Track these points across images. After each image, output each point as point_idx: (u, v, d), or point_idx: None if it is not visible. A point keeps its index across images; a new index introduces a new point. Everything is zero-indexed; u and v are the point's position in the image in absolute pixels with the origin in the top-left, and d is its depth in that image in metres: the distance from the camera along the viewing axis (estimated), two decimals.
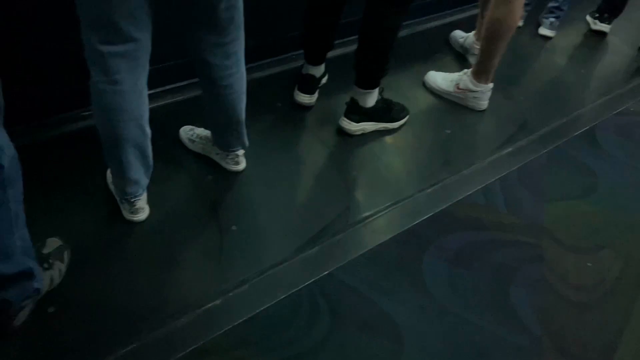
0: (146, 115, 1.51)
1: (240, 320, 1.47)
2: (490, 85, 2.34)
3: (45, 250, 1.43)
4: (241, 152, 1.88)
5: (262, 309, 1.51)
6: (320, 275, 1.62)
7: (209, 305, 1.49)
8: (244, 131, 1.79)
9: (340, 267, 1.66)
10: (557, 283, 1.75)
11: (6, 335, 1.30)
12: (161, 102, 2.08)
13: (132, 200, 1.64)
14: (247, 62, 1.65)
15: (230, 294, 1.53)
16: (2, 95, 1.02)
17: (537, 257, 1.83)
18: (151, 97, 2.00)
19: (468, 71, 2.39)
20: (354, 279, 1.64)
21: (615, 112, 2.59)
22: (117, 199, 1.69)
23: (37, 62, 1.77)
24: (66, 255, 1.47)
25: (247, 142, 1.84)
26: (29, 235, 1.23)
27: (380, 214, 1.87)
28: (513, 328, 1.59)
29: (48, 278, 1.36)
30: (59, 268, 1.42)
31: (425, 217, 1.88)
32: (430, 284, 1.67)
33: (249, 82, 1.69)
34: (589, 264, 1.84)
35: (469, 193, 2.01)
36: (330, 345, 1.46)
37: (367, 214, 1.86)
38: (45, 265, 1.36)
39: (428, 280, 1.68)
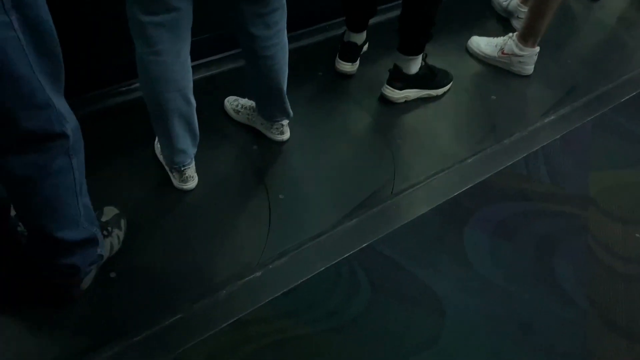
0: (190, 86, 1.52)
1: (281, 292, 1.48)
2: (537, 49, 2.27)
3: (104, 219, 1.47)
4: (285, 122, 1.89)
5: (302, 280, 1.51)
6: (360, 247, 1.62)
7: (251, 276, 1.51)
8: (287, 101, 1.79)
9: (380, 239, 1.65)
10: (603, 254, 1.71)
11: (74, 299, 1.36)
12: (206, 73, 2.09)
13: (182, 169, 1.67)
14: (288, 31, 1.63)
15: (270, 266, 1.54)
16: (63, 65, 1.05)
17: (582, 228, 1.78)
18: (196, 68, 2.03)
19: (513, 35, 2.32)
20: (394, 251, 1.62)
21: None
22: (167, 168, 1.73)
23: (88, 34, 1.79)
24: (123, 223, 1.52)
25: (291, 112, 1.84)
26: (90, 204, 1.27)
27: (422, 183, 1.85)
28: (557, 300, 1.56)
29: (108, 245, 1.41)
30: (118, 235, 1.47)
31: (466, 187, 1.85)
32: (472, 256, 1.64)
33: (290, 52, 1.68)
34: (637, 235, 1.78)
35: (511, 163, 1.96)
36: (371, 317, 1.46)
37: (411, 183, 1.85)
38: (105, 233, 1.41)
39: (469, 252, 1.65)
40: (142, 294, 1.44)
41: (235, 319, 1.41)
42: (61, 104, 1.06)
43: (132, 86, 1.95)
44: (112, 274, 1.44)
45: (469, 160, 1.95)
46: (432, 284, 1.55)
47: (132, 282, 1.46)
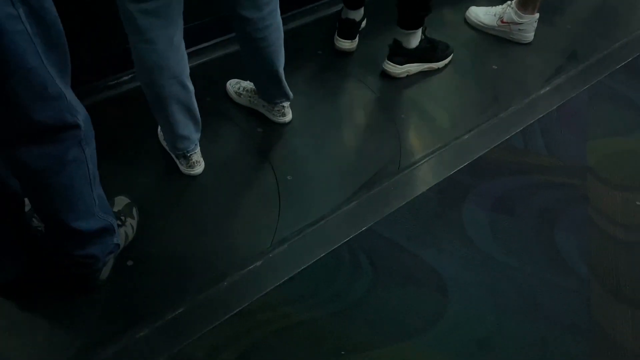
0: (186, 71, 1.51)
1: (285, 279, 1.49)
2: (537, 15, 2.26)
3: (116, 209, 1.48)
4: (286, 103, 1.88)
5: (304, 267, 1.52)
6: (360, 231, 1.62)
7: (253, 266, 1.51)
8: (285, 83, 1.78)
9: (380, 221, 1.65)
10: (604, 223, 1.70)
11: (94, 289, 1.38)
12: (207, 58, 2.08)
13: (187, 154, 1.67)
14: (283, 12, 1.62)
15: (271, 255, 1.54)
16: (69, 55, 1.04)
17: (582, 198, 1.77)
18: (197, 53, 2.05)
19: (512, 2, 2.30)
20: (394, 232, 1.62)
21: None
22: (172, 155, 1.73)
23: (88, 25, 1.78)
24: (135, 212, 1.53)
25: (290, 94, 1.83)
26: (104, 194, 1.28)
27: (420, 162, 1.84)
28: (559, 271, 1.56)
29: (123, 234, 1.43)
30: (131, 224, 1.48)
31: (463, 165, 1.84)
32: (472, 232, 1.64)
33: (287, 32, 1.67)
34: (637, 203, 1.77)
35: (507, 137, 1.95)
36: (374, 299, 1.47)
37: (416, 158, 1.85)
38: (119, 222, 1.42)
39: (469, 229, 1.65)
40: (161, 280, 1.46)
41: (240, 308, 1.42)
42: (70, 94, 1.06)
43: (129, 76, 1.94)
44: (129, 262, 1.46)
45: (465, 137, 1.94)
46: (434, 263, 1.56)
47: (150, 269, 1.48)
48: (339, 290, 1.48)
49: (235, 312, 1.41)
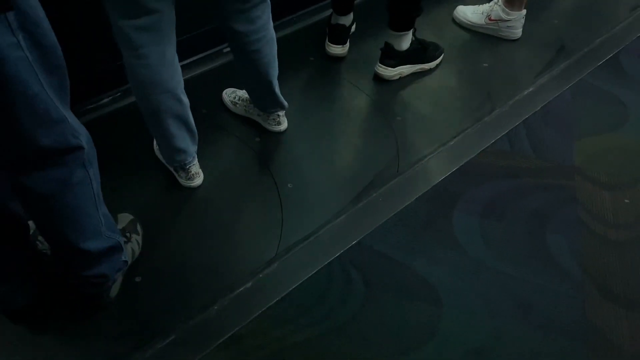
0: (180, 85, 1.51)
1: (275, 300, 1.46)
2: (524, 11, 2.29)
3: (120, 226, 1.48)
4: (281, 112, 1.89)
5: (295, 286, 1.49)
6: (350, 245, 1.60)
7: (242, 288, 1.48)
8: (279, 93, 1.78)
9: (369, 234, 1.63)
10: (594, 224, 1.69)
11: (104, 307, 1.38)
12: (203, 69, 2.09)
13: (186, 167, 1.68)
14: (273, 20, 1.62)
15: (260, 275, 1.51)
16: (67, 77, 1.05)
17: (571, 199, 1.76)
18: (192, 65, 2.05)
19: (499, 0, 2.33)
20: (384, 244, 1.60)
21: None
22: (171, 168, 1.73)
23: (80, 42, 1.78)
24: (139, 228, 1.53)
25: (285, 103, 1.84)
26: (108, 212, 1.28)
27: (414, 167, 1.83)
28: (553, 275, 1.54)
29: (129, 250, 1.43)
30: (137, 240, 1.49)
31: (450, 171, 1.82)
32: (463, 239, 1.62)
33: (278, 40, 1.67)
34: (626, 200, 1.76)
35: (493, 141, 1.94)
36: (368, 315, 1.45)
37: (413, 160, 1.85)
38: (124, 239, 1.42)
39: (460, 236, 1.63)
40: (170, 294, 1.46)
41: (228, 335, 1.38)
42: (71, 116, 1.07)
43: (120, 93, 1.95)
44: (137, 279, 1.46)
45: (453, 142, 1.92)
46: (426, 273, 1.54)
47: (158, 284, 1.48)
48: (332, 308, 1.46)
49: (218, 342, 1.37)
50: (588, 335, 1.41)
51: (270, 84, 1.73)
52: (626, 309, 1.48)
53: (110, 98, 1.95)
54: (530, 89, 2.15)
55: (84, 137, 1.10)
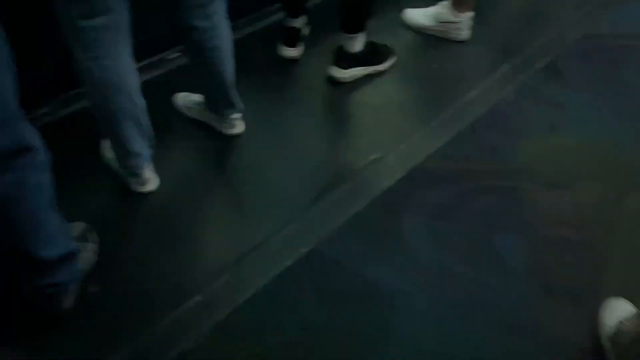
0: (136, 87, 1.50)
1: (222, 317, 1.42)
2: (471, 13, 2.37)
3: (74, 234, 1.45)
4: (237, 115, 1.88)
5: (244, 299, 1.46)
6: (301, 254, 1.58)
7: (191, 301, 1.44)
8: (236, 94, 1.79)
9: (320, 242, 1.61)
10: (538, 223, 1.73)
11: (58, 318, 1.34)
12: (156, 73, 2.07)
13: (137, 172, 1.65)
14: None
15: (211, 288, 1.47)
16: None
17: (517, 200, 1.80)
18: (145, 68, 2.02)
19: (446, 3, 2.40)
20: (335, 251, 1.60)
21: (578, 36, 2.55)
22: (122, 173, 1.70)
23: (25, 46, 1.72)
24: (94, 236, 1.50)
25: (241, 105, 1.84)
26: (64, 219, 1.25)
27: (363, 171, 1.84)
28: (501, 275, 1.57)
29: (85, 259, 1.40)
30: (92, 249, 1.46)
31: (399, 177, 1.83)
32: (413, 243, 1.64)
33: (233, 42, 1.68)
34: (567, 199, 1.82)
35: (439, 146, 1.96)
36: (318, 325, 1.43)
37: (366, 163, 1.86)
38: (79, 248, 1.39)
39: (410, 239, 1.65)
40: (126, 305, 1.43)
41: (177, 351, 1.34)
42: (24, 116, 1.04)
43: (76, 93, 1.89)
44: (93, 288, 1.43)
45: (402, 146, 1.94)
46: (377, 278, 1.54)
47: (113, 293, 1.45)
48: (280, 321, 1.43)
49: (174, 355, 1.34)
50: (535, 331, 1.44)
51: (227, 83, 1.73)
52: (572, 306, 1.51)
53: (48, 108, 1.90)
54: (476, 92, 2.21)
55: (37, 139, 1.07)
